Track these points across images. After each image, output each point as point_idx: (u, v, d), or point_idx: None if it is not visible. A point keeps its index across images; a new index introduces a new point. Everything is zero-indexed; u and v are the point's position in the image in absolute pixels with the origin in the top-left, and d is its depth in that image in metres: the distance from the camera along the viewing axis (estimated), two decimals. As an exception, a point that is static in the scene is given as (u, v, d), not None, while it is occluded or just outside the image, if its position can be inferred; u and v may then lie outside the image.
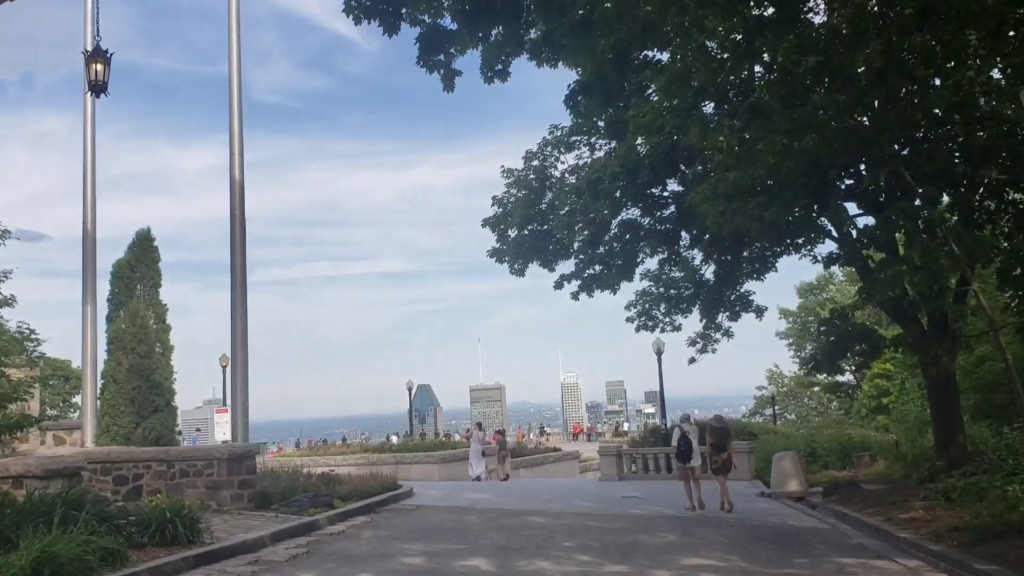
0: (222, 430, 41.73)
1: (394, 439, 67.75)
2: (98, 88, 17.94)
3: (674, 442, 19.67)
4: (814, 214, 15.91)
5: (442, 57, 13.40)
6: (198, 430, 72.27)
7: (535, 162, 23.26)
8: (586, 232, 21.48)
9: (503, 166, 23.69)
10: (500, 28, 12.90)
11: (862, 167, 17.37)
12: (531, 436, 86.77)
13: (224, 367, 43.09)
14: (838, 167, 16.45)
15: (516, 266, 24.30)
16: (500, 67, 13.50)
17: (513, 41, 13.01)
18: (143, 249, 23.06)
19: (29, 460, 13.78)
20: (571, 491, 24.93)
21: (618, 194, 20.34)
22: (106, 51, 17.85)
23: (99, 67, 17.93)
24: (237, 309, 20.30)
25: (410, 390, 55.72)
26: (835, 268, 62.75)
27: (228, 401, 20.74)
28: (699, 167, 18.08)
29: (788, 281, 63.93)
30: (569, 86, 14.35)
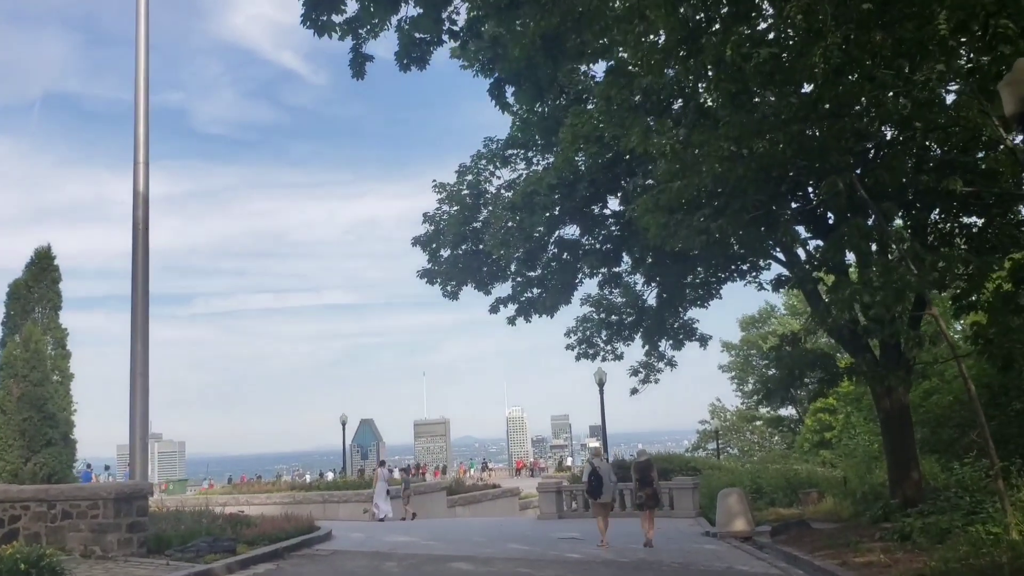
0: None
1: (329, 475, 65.40)
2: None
3: (584, 477, 19.06)
4: (763, 229, 14.71)
5: (336, 19, 11.85)
6: (107, 467, 69.04)
7: (469, 177, 21.76)
8: (521, 251, 20.02)
9: (435, 180, 22.20)
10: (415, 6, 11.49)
11: (811, 188, 16.33)
12: (472, 472, 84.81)
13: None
14: (789, 183, 15.33)
15: (449, 288, 22.74)
16: (417, 55, 12.08)
17: (433, 22, 11.57)
18: (42, 268, 21.10)
19: None
20: (506, 532, 23.31)
21: (556, 210, 19.03)
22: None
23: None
24: (137, 328, 18.52)
25: (343, 424, 53.72)
26: (777, 301, 62.75)
27: (130, 433, 18.77)
28: (641, 180, 16.82)
29: (730, 314, 63.27)
30: (495, 75, 12.97)
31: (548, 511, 28.92)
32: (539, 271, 21.94)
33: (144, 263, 18.90)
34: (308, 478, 70.15)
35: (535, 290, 22.35)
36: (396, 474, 40.42)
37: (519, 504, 43.44)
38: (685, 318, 24.56)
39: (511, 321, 22.93)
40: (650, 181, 16.25)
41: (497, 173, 21.59)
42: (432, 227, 22.34)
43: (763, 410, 64.80)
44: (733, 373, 65.65)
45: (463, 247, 22.02)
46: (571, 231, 20.82)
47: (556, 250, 20.96)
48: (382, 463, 36.75)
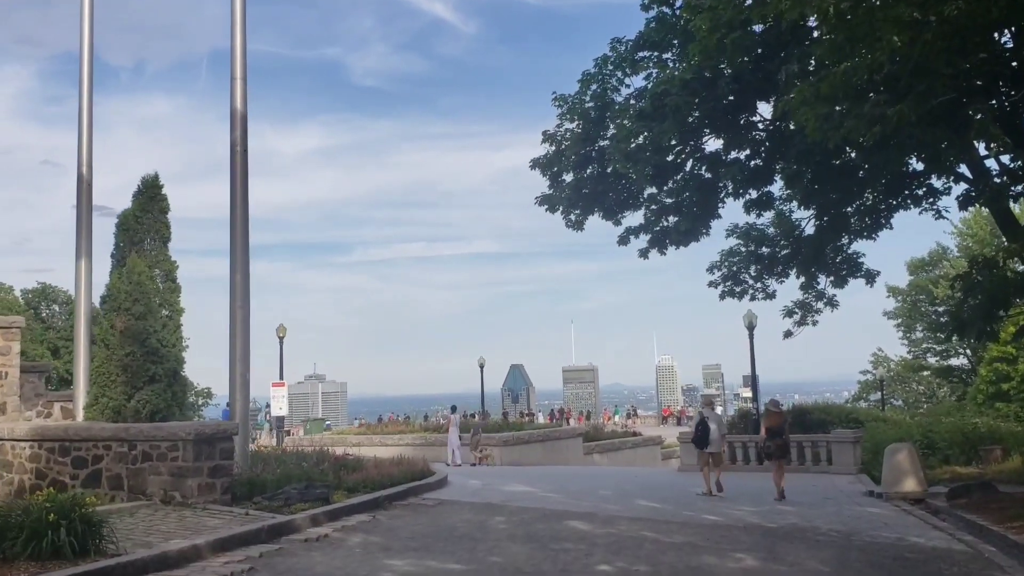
0: (278, 405, 39.29)
1: (475, 418, 64.88)
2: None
3: (693, 427, 19.13)
4: (949, 129, 11.68)
5: None
6: (267, 405, 70.24)
7: (594, 86, 19.10)
8: (651, 167, 17.32)
9: (555, 92, 19.75)
10: None
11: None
12: (617, 419, 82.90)
13: (281, 337, 40.60)
14: (986, 68, 12.13)
15: (572, 216, 20.36)
16: None
17: None
18: (149, 198, 19.94)
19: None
20: (639, 484, 21.13)
21: (693, 116, 16.32)
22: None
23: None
24: (237, 259, 17.33)
25: (481, 367, 52.55)
26: (950, 243, 57.24)
27: (230, 369, 17.60)
28: (796, 66, 13.77)
29: (897, 256, 58.33)
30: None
31: (689, 462, 26.43)
32: (674, 198, 19.29)
33: (243, 188, 17.56)
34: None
35: (671, 218, 19.73)
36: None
37: (661, 453, 41.14)
38: (849, 251, 21.44)
39: (643, 254, 20.43)
40: (806, 67, 13.33)
41: (627, 81, 18.96)
42: (552, 147, 19.91)
43: (932, 359, 59.86)
44: (899, 320, 60.64)
45: (588, 169, 19.55)
46: (711, 144, 18.07)
47: (693, 165, 18.17)
48: (453, 408, 35.17)
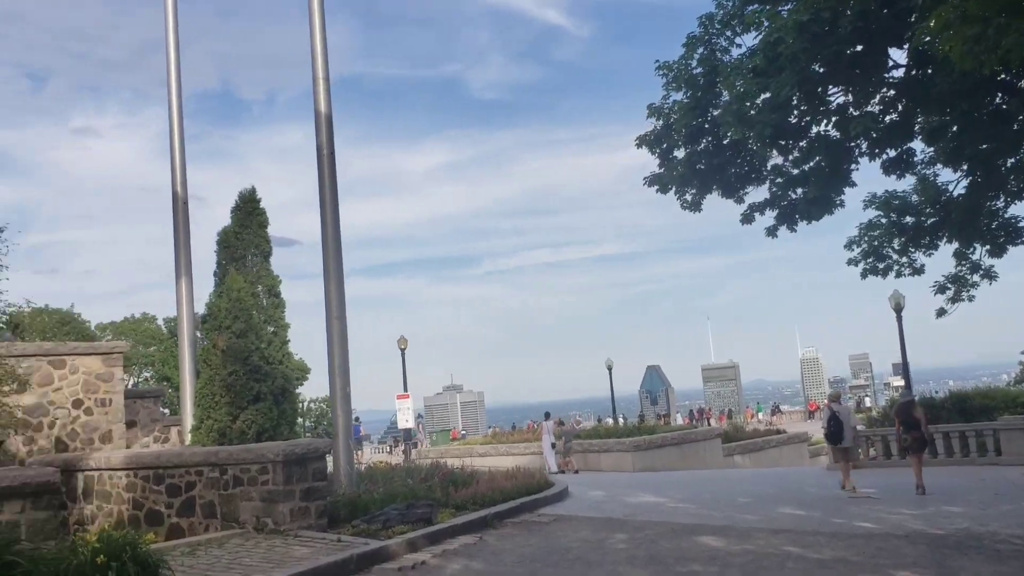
0: (404, 417, 38.68)
1: (608, 422, 63.21)
2: None
3: (823, 423, 18.43)
4: None
5: None
6: (356, 419, 70.49)
7: (700, 49, 17.26)
8: (769, 129, 15.29)
9: (657, 60, 17.89)
10: None
11: None
12: (760, 416, 79.47)
13: (402, 349, 40.03)
14: None
15: (688, 197, 18.54)
16: None
17: None
18: (247, 213, 19.40)
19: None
20: (782, 487, 19.12)
21: (816, 66, 14.29)
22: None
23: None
24: (330, 267, 16.39)
25: (609, 369, 50.83)
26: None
27: (330, 383, 16.69)
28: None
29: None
30: None
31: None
32: (799, 167, 17.21)
33: (332, 192, 16.66)
34: (585, 424, 68.53)
35: (798, 190, 17.67)
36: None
37: (808, 451, 38.45)
38: (1007, 215, 18.88)
39: (771, 232, 18.42)
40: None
41: (737, 40, 16.99)
42: (659, 122, 18.14)
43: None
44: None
45: (701, 143, 17.71)
46: (836, 98, 15.92)
47: (818, 125, 16.04)
48: (547, 415, 33.45)
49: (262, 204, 20.21)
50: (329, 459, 15.89)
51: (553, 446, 29.78)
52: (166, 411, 27.75)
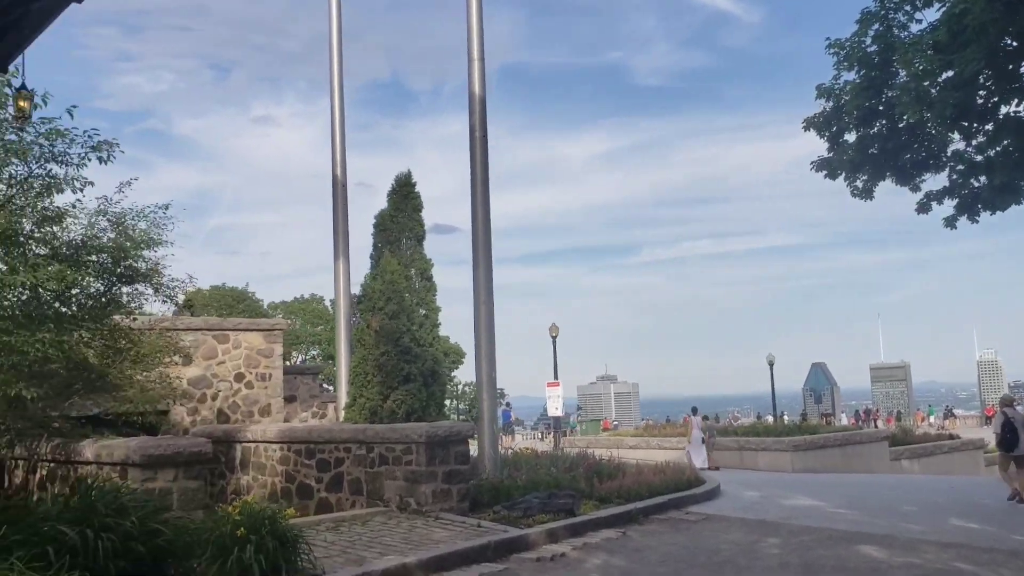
0: (553, 404, 38.58)
1: (768, 419, 61.28)
2: None
3: (996, 429, 17.21)
4: None
5: None
6: (508, 404, 70.15)
7: (876, 25, 16.00)
8: (950, 109, 13.97)
9: (828, 38, 16.72)
10: None
11: None
12: (932, 420, 75.14)
13: (553, 337, 39.92)
14: None
15: (859, 183, 17.36)
16: None
17: None
18: (403, 196, 19.64)
19: (132, 443, 10.50)
20: (954, 497, 17.74)
21: (1008, 39, 12.96)
22: None
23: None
24: (479, 254, 16.29)
25: (770, 364, 49.10)
26: None
27: (476, 367, 16.61)
28: None
29: None
30: None
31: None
32: (984, 153, 15.78)
33: (483, 175, 16.54)
34: (743, 421, 66.62)
35: (982, 178, 16.21)
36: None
37: (983, 459, 35.82)
38: None
39: (949, 223, 16.99)
40: None
41: (916, 16, 15.64)
42: (829, 103, 17.02)
43: None
44: None
45: (874, 126, 16.50)
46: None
47: (1007, 103, 14.58)
48: (694, 410, 32.12)
49: (417, 188, 20.39)
50: (474, 443, 15.90)
51: (702, 441, 28.92)
52: (330, 388, 28.53)
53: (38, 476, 12.69)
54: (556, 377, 38.66)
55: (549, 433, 55.07)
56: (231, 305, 61.44)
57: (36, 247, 11.28)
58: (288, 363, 54.90)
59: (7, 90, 10.85)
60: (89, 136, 10.80)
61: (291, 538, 8.40)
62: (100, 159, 11.14)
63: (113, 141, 11.21)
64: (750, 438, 30.98)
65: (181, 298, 12.90)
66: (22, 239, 11.03)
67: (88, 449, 11.29)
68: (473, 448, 16.83)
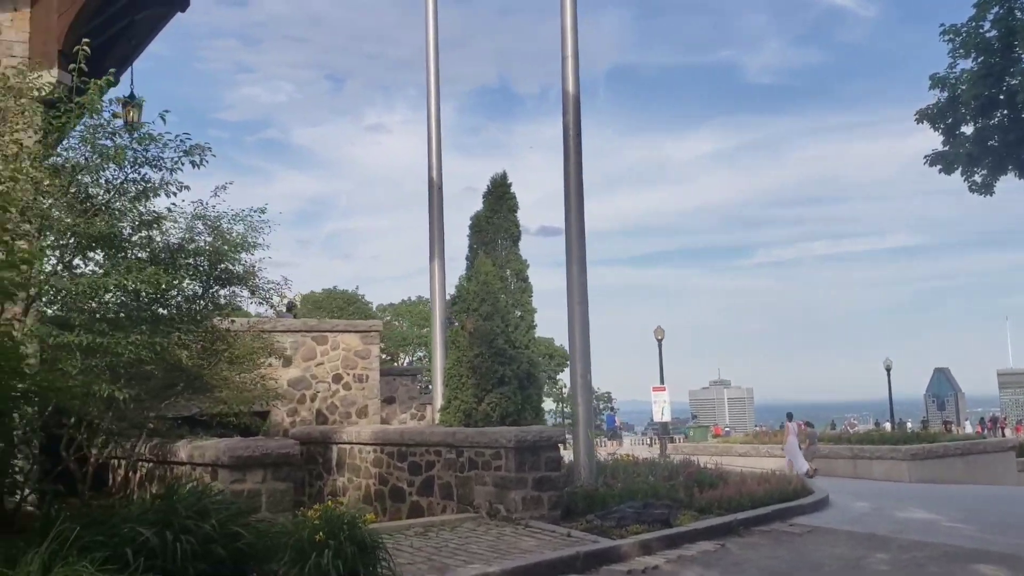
0: (659, 409, 37.90)
1: (886, 426, 58.94)
2: None
3: None
4: None
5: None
6: (612, 409, 69.02)
7: (995, 8, 14.93)
8: None
9: (942, 24, 15.70)
10: None
11: None
12: (1065, 428, 70.84)
13: (659, 339, 39.22)
14: None
15: (977, 178, 16.25)
16: None
17: None
18: (498, 197, 19.49)
19: (222, 444, 10.58)
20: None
21: None
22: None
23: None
24: (572, 252, 15.98)
25: (887, 370, 47.12)
26: None
27: (571, 370, 16.32)
28: None
29: None
30: None
31: None
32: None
33: (577, 174, 16.21)
34: (860, 428, 64.23)
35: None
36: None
37: None
38: None
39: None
40: None
41: (1041, -5, 14.55)
42: (944, 93, 16.00)
43: None
44: None
45: (994, 116, 15.42)
46: None
47: None
48: (790, 416, 30.69)
49: (512, 189, 20.21)
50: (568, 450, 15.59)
51: (800, 448, 28.07)
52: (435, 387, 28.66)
53: (138, 475, 12.99)
54: (662, 381, 38.00)
55: (658, 439, 54.27)
56: (342, 307, 62.81)
57: (136, 251, 11.49)
58: (395, 364, 55.72)
59: (103, 96, 11.02)
60: (181, 141, 10.96)
61: (370, 544, 8.26)
62: (193, 163, 11.28)
63: (205, 145, 11.36)
64: (864, 446, 29.75)
65: (276, 299, 12.99)
66: (124, 243, 11.26)
67: (182, 450, 11.47)
68: (570, 454, 16.56)
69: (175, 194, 11.06)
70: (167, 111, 11.53)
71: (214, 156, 11.21)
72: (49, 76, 11.83)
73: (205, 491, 8.34)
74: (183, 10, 17.32)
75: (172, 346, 10.74)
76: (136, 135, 10.32)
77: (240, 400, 12.70)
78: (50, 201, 10.22)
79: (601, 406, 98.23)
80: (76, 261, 11.38)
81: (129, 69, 18.81)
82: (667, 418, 38.51)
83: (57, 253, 10.29)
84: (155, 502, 8.25)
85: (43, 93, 11.66)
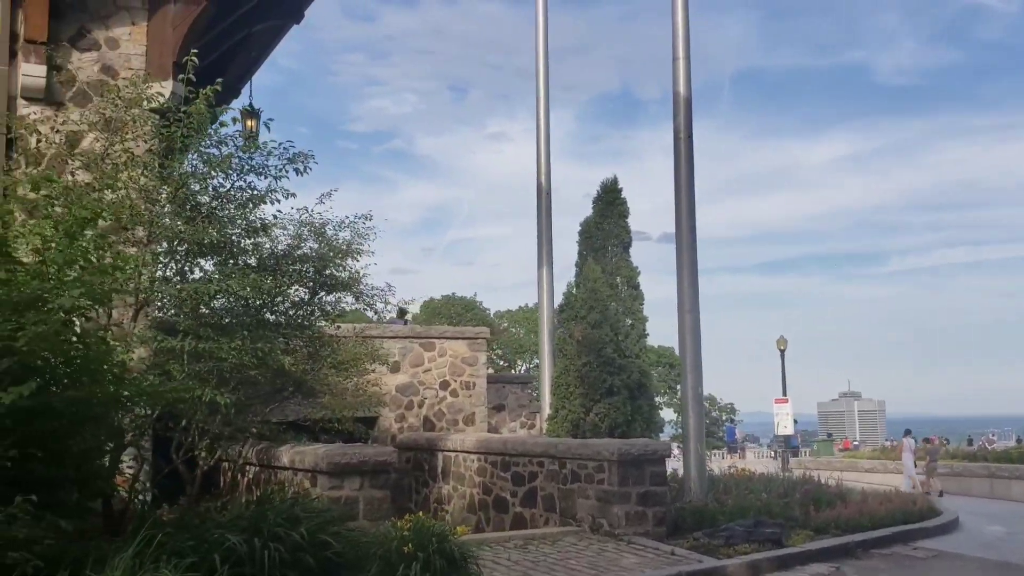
0: (782, 422, 36.68)
1: (1029, 443, 55.50)
2: None
3: None
4: None
5: None
6: (732, 420, 66.95)
7: None
8: None
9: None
10: None
11: None
12: None
13: (782, 350, 37.94)
14: None
15: None
16: None
17: None
18: (608, 203, 19.08)
19: (320, 450, 10.59)
20: None
21: None
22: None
23: None
24: (683, 258, 15.57)
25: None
26: None
27: (682, 381, 15.81)
28: None
29: None
30: None
31: None
32: None
33: (688, 178, 15.76)
34: (999, 444, 60.68)
35: None
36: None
37: None
38: None
39: None
40: None
41: None
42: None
43: None
44: None
45: None
46: None
47: None
48: (907, 432, 28.75)
49: (623, 194, 19.79)
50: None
51: (916, 465, 26.85)
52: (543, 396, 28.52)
53: (245, 479, 13.19)
54: (784, 393, 36.76)
55: (781, 452, 52.63)
56: (460, 314, 63.47)
57: (244, 257, 11.65)
58: (512, 371, 55.75)
59: (213, 105, 11.19)
60: (285, 148, 11.07)
61: (459, 557, 8.07)
62: (296, 171, 11.38)
63: (308, 153, 11.45)
64: (1003, 465, 27.89)
65: (379, 306, 12.98)
66: (232, 250, 11.44)
67: (285, 455, 11.56)
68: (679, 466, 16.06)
69: (278, 201, 11.17)
70: (271, 119, 11.77)
71: (316, 164, 11.29)
72: (163, 87, 12.16)
73: (298, 498, 8.31)
74: (298, 22, 17.63)
75: (275, 351, 10.82)
76: (241, 143, 10.44)
77: (343, 406, 12.74)
78: (160, 209, 10.43)
79: (724, 418, 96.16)
80: (187, 267, 11.65)
81: (249, 81, 19.32)
82: (789, 431, 37.18)
83: (166, 259, 10.49)
84: (248, 507, 8.27)
85: (156, 104, 11.97)
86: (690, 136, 15.81)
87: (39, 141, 11.24)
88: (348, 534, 8.13)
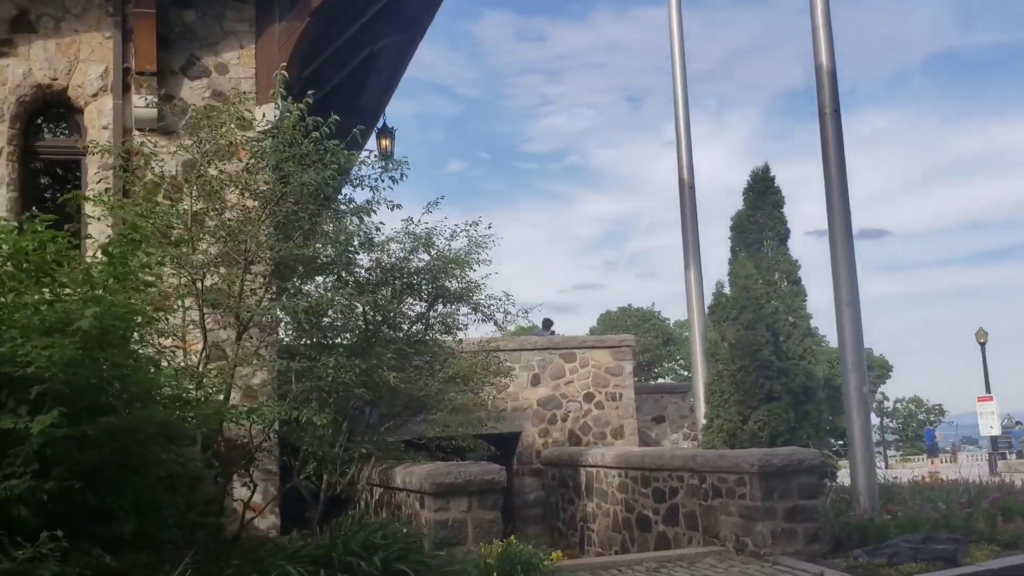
0: (987, 423, 33.42)
1: None
2: None
3: None
4: None
5: None
6: (931, 423, 61.49)
7: None
8: None
9: None
10: None
11: None
12: None
13: (982, 343, 34.64)
14: None
15: None
16: None
17: None
18: (759, 193, 17.75)
19: (425, 470, 10.02)
20: None
21: None
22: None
23: None
24: (837, 243, 14.06)
25: None
26: None
27: (844, 380, 14.22)
28: None
29: None
30: None
31: None
32: None
33: (838, 157, 14.23)
34: None
35: None
36: None
37: None
38: None
39: None
40: None
41: None
42: None
43: None
44: None
45: None
46: None
47: None
48: None
49: (776, 183, 18.40)
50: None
51: None
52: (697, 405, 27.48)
53: (373, 501, 12.84)
54: (988, 391, 33.48)
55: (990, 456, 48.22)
56: (637, 324, 62.24)
57: (350, 271, 11.37)
58: (670, 381, 53.94)
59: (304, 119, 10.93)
60: (376, 158, 10.78)
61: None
62: (392, 179, 11.05)
63: (402, 161, 11.09)
64: None
65: (499, 317, 12.37)
66: (327, 267, 11.20)
67: (398, 475, 11.10)
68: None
69: (374, 212, 10.83)
70: (361, 127, 11.41)
71: (410, 170, 10.90)
72: (269, 108, 12.07)
73: (378, 525, 7.74)
74: (421, 36, 17.40)
75: (380, 368, 10.39)
76: (327, 155, 10.08)
77: (461, 422, 12.16)
78: (258, 228, 10.22)
79: (932, 420, 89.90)
80: (300, 284, 11.47)
81: (387, 101, 19.18)
82: (996, 432, 33.82)
83: (261, 279, 10.29)
84: (340, 531, 7.80)
85: (258, 123, 11.90)
86: (836, 110, 14.31)
87: (152, 171, 11.33)
88: (432, 562, 7.48)
